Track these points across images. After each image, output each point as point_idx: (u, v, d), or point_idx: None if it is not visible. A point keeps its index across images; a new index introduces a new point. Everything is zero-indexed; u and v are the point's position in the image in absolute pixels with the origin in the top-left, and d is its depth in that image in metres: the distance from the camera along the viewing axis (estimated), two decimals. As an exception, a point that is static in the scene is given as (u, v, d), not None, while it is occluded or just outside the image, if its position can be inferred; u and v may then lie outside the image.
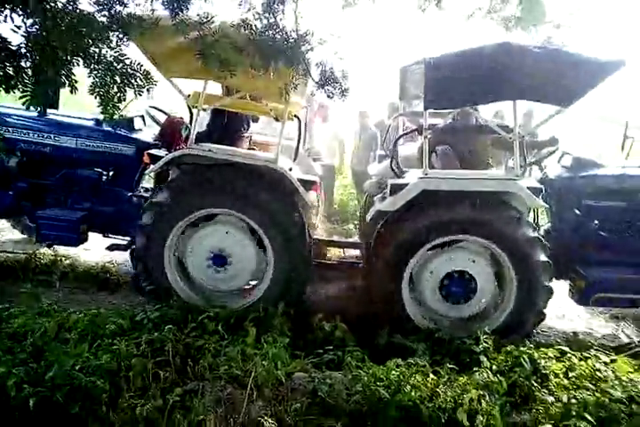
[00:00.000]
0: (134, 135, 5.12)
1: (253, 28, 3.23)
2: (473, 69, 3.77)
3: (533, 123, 6.51)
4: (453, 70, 3.82)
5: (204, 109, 4.41)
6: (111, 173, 5.21)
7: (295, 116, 4.56)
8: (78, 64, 2.62)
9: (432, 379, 3.04)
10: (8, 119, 4.93)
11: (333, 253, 5.54)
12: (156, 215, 4.13)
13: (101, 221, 4.98)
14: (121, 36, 2.78)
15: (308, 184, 4.33)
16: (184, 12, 2.96)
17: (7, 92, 2.49)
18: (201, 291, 4.37)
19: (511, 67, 3.69)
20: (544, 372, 3.29)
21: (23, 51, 2.37)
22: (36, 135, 4.96)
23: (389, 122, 6.52)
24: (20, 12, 2.51)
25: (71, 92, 2.57)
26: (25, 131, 4.93)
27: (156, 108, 5.42)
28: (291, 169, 4.27)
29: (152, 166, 4.41)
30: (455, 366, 3.31)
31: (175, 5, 2.88)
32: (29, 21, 2.51)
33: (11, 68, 2.43)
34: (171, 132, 5.15)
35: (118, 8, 2.76)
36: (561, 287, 4.42)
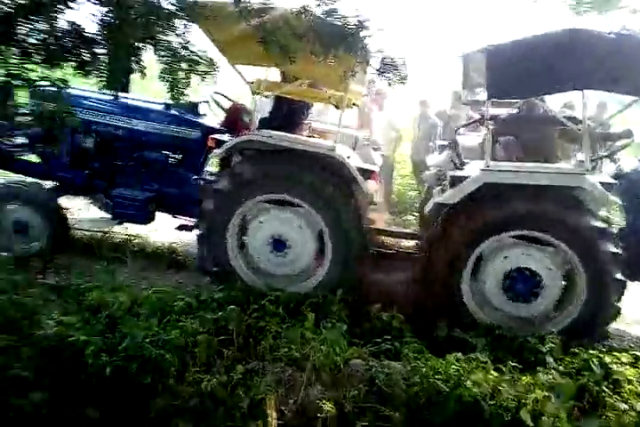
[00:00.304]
0: (200, 120, 5.25)
1: (314, 14, 3.22)
2: (539, 57, 3.59)
3: (607, 115, 6.11)
4: (517, 58, 3.66)
5: (266, 96, 4.45)
6: (178, 156, 5.38)
7: (354, 104, 4.53)
8: (147, 50, 2.72)
9: (494, 376, 2.96)
10: (84, 101, 5.18)
11: (390, 242, 5.49)
12: (218, 201, 4.25)
13: (168, 202, 5.18)
14: (186, 23, 2.86)
15: (366, 173, 4.32)
16: (247, -2, 2.99)
17: (84, 76, 2.61)
18: (262, 274, 4.46)
19: (580, 54, 3.48)
20: (616, 377, 3.12)
21: (98, 38, 2.48)
22: (109, 117, 5.18)
23: (452, 111, 6.34)
24: (95, 1, 2.62)
25: (141, 77, 2.67)
26: (99, 113, 5.17)
27: (220, 94, 5.53)
28: (349, 157, 4.26)
29: (216, 151, 4.53)
30: (518, 364, 3.20)
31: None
32: (104, 9, 2.62)
33: (87, 55, 2.54)
34: (234, 118, 5.26)
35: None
36: (636, 290, 4.17)
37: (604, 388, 3.00)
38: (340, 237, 4.21)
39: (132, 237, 5.66)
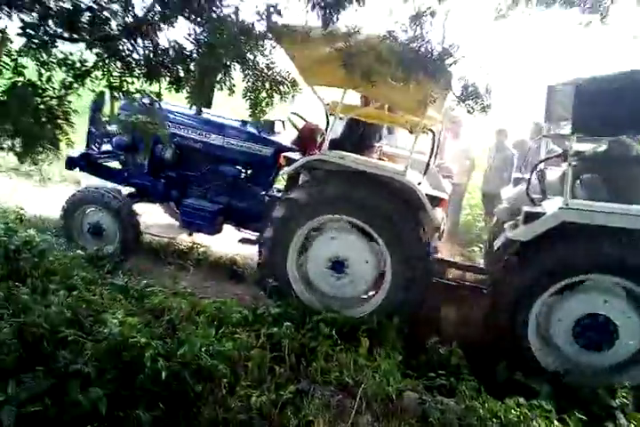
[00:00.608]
0: (273, 138, 5.40)
1: (398, 39, 3.24)
2: (630, 94, 3.41)
3: None
4: (608, 94, 3.50)
5: (341, 118, 4.51)
6: (249, 172, 5.54)
7: (430, 129, 4.49)
8: (235, 69, 2.84)
9: (557, 425, 2.76)
10: (170, 115, 5.49)
11: (454, 274, 5.33)
12: (289, 211, 4.29)
13: (236, 216, 5.33)
14: (274, 44, 2.96)
15: (435, 200, 4.24)
16: (334, 23, 3.06)
17: (177, 91, 2.77)
18: (319, 294, 4.45)
19: None
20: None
21: (194, 55, 2.61)
22: (189, 131, 5.44)
23: (531, 143, 6.13)
24: (192, 20, 2.78)
25: (230, 94, 2.78)
26: (182, 126, 5.44)
27: (297, 114, 5.67)
28: (419, 183, 4.20)
29: (286, 168, 4.62)
30: (584, 417, 2.97)
31: (327, 17, 2.98)
32: (199, 29, 2.76)
33: (183, 71, 2.69)
34: (307, 138, 5.36)
35: (275, 18, 2.94)
36: None
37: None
38: (403, 263, 4.12)
39: (197, 246, 5.84)
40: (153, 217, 6.65)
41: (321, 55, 3.67)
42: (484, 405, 2.94)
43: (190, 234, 5.65)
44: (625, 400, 3.18)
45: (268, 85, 2.97)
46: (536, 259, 3.72)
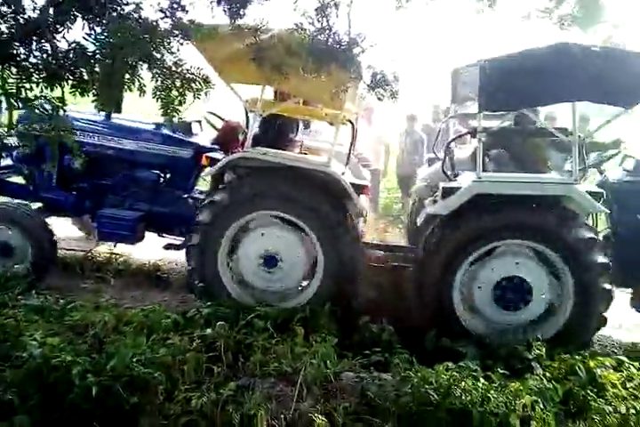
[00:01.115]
0: (192, 139, 5.27)
1: (306, 31, 3.29)
2: (530, 71, 3.72)
3: (590, 127, 6.29)
4: (510, 72, 3.79)
5: (262, 115, 4.51)
6: (168, 176, 5.37)
7: (349, 120, 4.60)
8: (142, 68, 2.75)
9: (483, 384, 2.99)
10: (77, 122, 5.17)
11: (382, 256, 5.52)
12: (214, 214, 4.23)
13: (158, 221, 5.14)
14: (182, 41, 2.90)
15: (358, 188, 4.35)
16: (242, 18, 3.06)
17: (82, 95, 2.64)
18: (252, 290, 4.44)
19: (570, 67, 3.62)
20: (600, 381, 3.18)
21: (98, 56, 2.51)
22: (100, 138, 5.17)
23: (436, 125, 6.47)
24: (89, 20, 2.66)
25: (140, 95, 2.70)
26: (91, 133, 5.16)
27: (213, 113, 5.58)
28: (343, 173, 4.32)
29: (209, 169, 4.54)
30: (506, 371, 3.24)
31: (234, 11, 2.97)
32: (99, 29, 2.66)
33: (85, 73, 2.57)
34: (227, 137, 5.29)
35: (180, 15, 2.89)
36: (619, 296, 4.26)
37: (590, 392, 3.06)
38: (334, 251, 4.21)
39: (116, 256, 5.60)
40: (61, 231, 6.31)
41: (232, 52, 3.64)
42: (417, 374, 3.10)
43: (116, 245, 5.40)
44: (539, 352, 3.50)
45: (178, 83, 2.91)
46: (456, 230, 3.97)
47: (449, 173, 4.27)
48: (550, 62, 3.65)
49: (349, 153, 4.56)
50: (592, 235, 3.81)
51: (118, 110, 5.22)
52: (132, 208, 5.11)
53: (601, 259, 3.77)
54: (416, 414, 2.83)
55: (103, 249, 5.63)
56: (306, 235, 4.30)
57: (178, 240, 5.11)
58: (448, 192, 3.98)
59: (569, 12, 4.34)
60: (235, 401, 2.87)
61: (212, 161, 4.68)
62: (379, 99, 3.47)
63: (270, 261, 4.32)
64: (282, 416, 2.81)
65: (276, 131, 4.80)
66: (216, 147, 5.24)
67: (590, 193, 3.80)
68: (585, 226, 3.85)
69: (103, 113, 5.16)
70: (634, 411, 2.89)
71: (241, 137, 5.10)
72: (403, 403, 2.88)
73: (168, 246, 5.12)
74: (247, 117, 5.06)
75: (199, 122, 5.43)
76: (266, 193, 4.21)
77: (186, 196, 5.22)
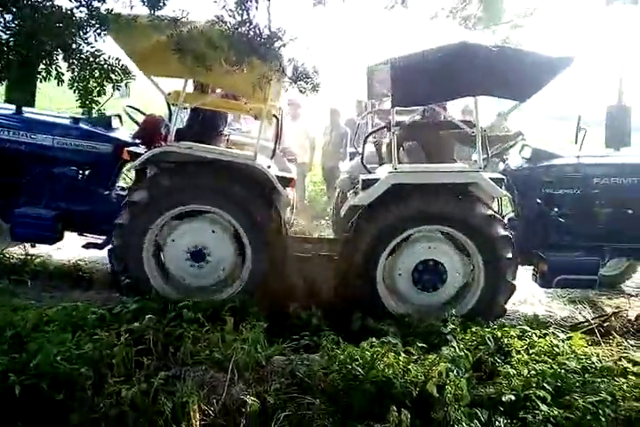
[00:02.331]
0: (111, 134, 5.13)
1: (227, 24, 3.33)
2: (434, 68, 4.01)
3: (506, 122, 6.82)
4: (417, 70, 4.05)
5: (185, 108, 4.47)
6: (87, 172, 5.18)
7: (274, 115, 4.67)
8: (58, 58, 2.68)
9: (404, 357, 3.21)
10: None
11: (309, 248, 5.66)
12: (134, 214, 4.17)
13: (77, 220, 4.95)
14: (99, 31, 2.86)
15: (285, 181, 4.45)
16: (161, 9, 3.05)
17: (-5, 84, 2.53)
18: (178, 286, 4.41)
19: (468, 65, 3.94)
20: (507, 349, 3.53)
21: (11, 44, 2.42)
22: (11, 133, 4.90)
23: (359, 120, 6.72)
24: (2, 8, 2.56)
25: (58, 84, 2.63)
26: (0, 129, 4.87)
27: (133, 107, 5.44)
28: (269, 167, 4.39)
29: (130, 164, 4.44)
30: (425, 345, 3.49)
31: (153, 2, 2.96)
32: (8, 16, 2.56)
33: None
34: (150, 131, 5.17)
35: (96, 4, 2.84)
36: (522, 273, 4.69)
37: (497, 359, 3.40)
38: (261, 242, 4.28)
39: (32, 257, 5.32)
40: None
41: (152, 43, 3.60)
42: (344, 352, 3.27)
43: (33, 245, 5.11)
44: (454, 326, 3.80)
45: (97, 74, 2.85)
46: (376, 219, 4.20)
47: (369, 166, 4.48)
48: (452, 61, 3.96)
49: (275, 147, 4.65)
50: (491, 212, 4.17)
51: (31, 103, 4.97)
52: (49, 207, 4.88)
53: (502, 232, 4.13)
54: (343, 389, 3.00)
55: (17, 250, 5.33)
56: (234, 228, 4.35)
57: (99, 239, 4.95)
58: (368, 184, 4.20)
59: (473, 12, 4.71)
60: (166, 391, 2.89)
61: (135, 156, 4.57)
62: (300, 91, 3.58)
63: (198, 255, 4.32)
64: (214, 402, 2.87)
65: (203, 125, 4.78)
66: (137, 141, 5.13)
67: (494, 179, 4.16)
68: (485, 206, 4.19)
69: (12, 106, 4.89)
70: (534, 373, 3.23)
71: (164, 131, 5.03)
72: (330, 380, 3.04)
73: (88, 246, 4.95)
74: (170, 111, 5.00)
75: (119, 116, 5.29)
76: (191, 187, 4.19)
77: (107, 193, 5.07)
